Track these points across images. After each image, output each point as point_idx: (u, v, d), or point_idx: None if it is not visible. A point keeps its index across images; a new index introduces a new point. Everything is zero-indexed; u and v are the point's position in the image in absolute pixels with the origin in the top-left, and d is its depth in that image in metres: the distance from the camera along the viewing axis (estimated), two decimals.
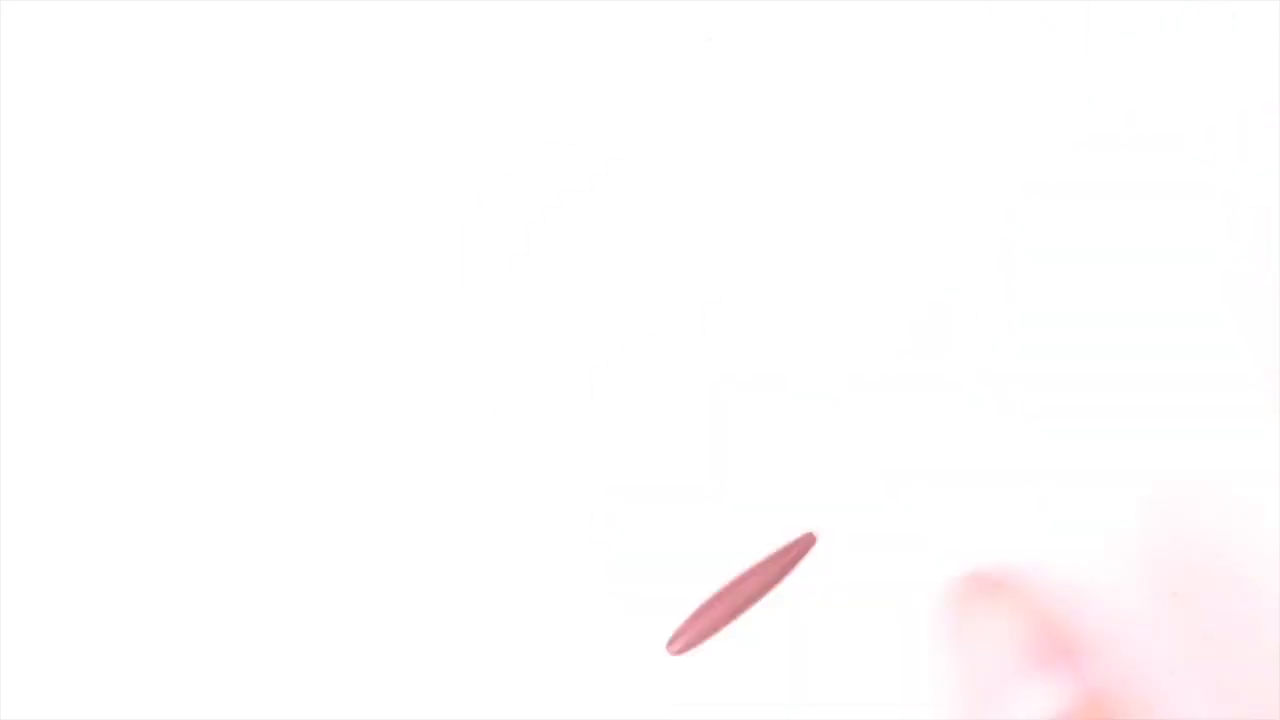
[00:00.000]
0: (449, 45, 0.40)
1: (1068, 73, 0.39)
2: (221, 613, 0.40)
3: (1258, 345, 0.38)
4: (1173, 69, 0.39)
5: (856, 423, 0.39)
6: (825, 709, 0.39)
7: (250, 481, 0.40)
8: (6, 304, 0.40)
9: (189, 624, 0.40)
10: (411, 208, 0.40)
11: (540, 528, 0.39)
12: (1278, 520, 0.38)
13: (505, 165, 0.40)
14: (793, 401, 0.39)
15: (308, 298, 0.40)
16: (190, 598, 0.40)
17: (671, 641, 0.39)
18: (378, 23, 0.40)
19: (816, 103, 0.39)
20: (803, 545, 0.39)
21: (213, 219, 0.40)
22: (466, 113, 0.40)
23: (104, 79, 0.40)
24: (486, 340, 0.40)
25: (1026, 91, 0.39)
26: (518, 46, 0.40)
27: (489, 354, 0.40)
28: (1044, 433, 0.39)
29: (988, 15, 0.39)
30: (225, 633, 0.40)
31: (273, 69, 0.40)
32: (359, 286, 0.40)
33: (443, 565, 0.39)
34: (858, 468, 0.39)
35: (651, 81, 0.39)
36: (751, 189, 0.39)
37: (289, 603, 0.40)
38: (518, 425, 0.40)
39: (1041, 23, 0.39)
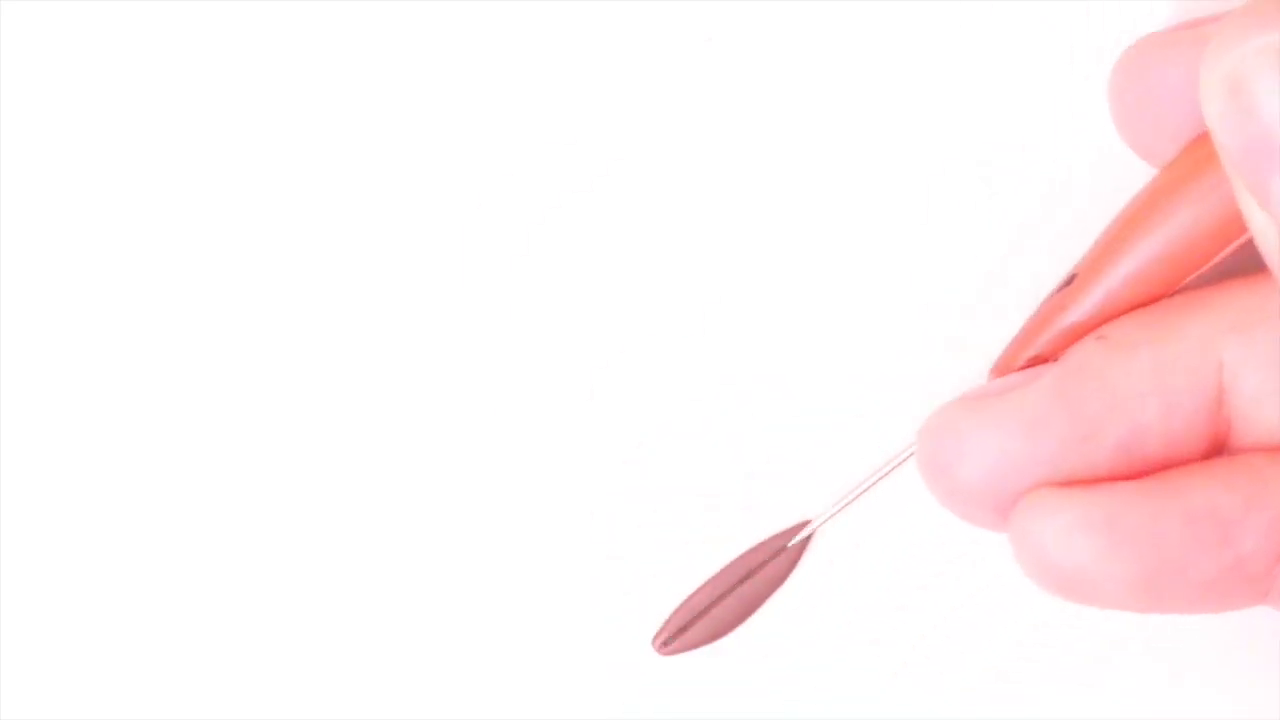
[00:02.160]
0: (449, 45, 0.40)
1: (1072, 74, 0.39)
2: (212, 602, 0.40)
3: None
4: None
5: (858, 423, 0.39)
6: (821, 705, 0.39)
7: (247, 479, 0.40)
8: (6, 304, 0.40)
9: (184, 622, 0.40)
10: (411, 207, 0.40)
11: (540, 528, 0.39)
12: None
13: (505, 165, 0.40)
14: (794, 402, 0.39)
15: (306, 298, 0.40)
16: (184, 594, 0.40)
17: (657, 637, 0.39)
18: (377, 23, 0.40)
19: (817, 103, 0.39)
20: (798, 535, 0.39)
21: (211, 219, 0.40)
22: (466, 112, 0.40)
23: (104, 79, 0.40)
24: (486, 340, 0.40)
25: (1031, 92, 0.39)
26: (518, 46, 0.40)
27: (488, 354, 0.40)
28: None
29: (990, 15, 0.39)
30: (216, 622, 0.40)
31: (272, 69, 0.40)
32: (357, 286, 0.40)
33: (441, 564, 0.39)
34: (861, 468, 0.39)
35: (651, 81, 0.39)
36: (752, 189, 0.39)
37: (287, 601, 0.40)
38: (518, 425, 0.40)
39: (1045, 23, 0.39)
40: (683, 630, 0.39)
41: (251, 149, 0.40)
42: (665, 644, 0.39)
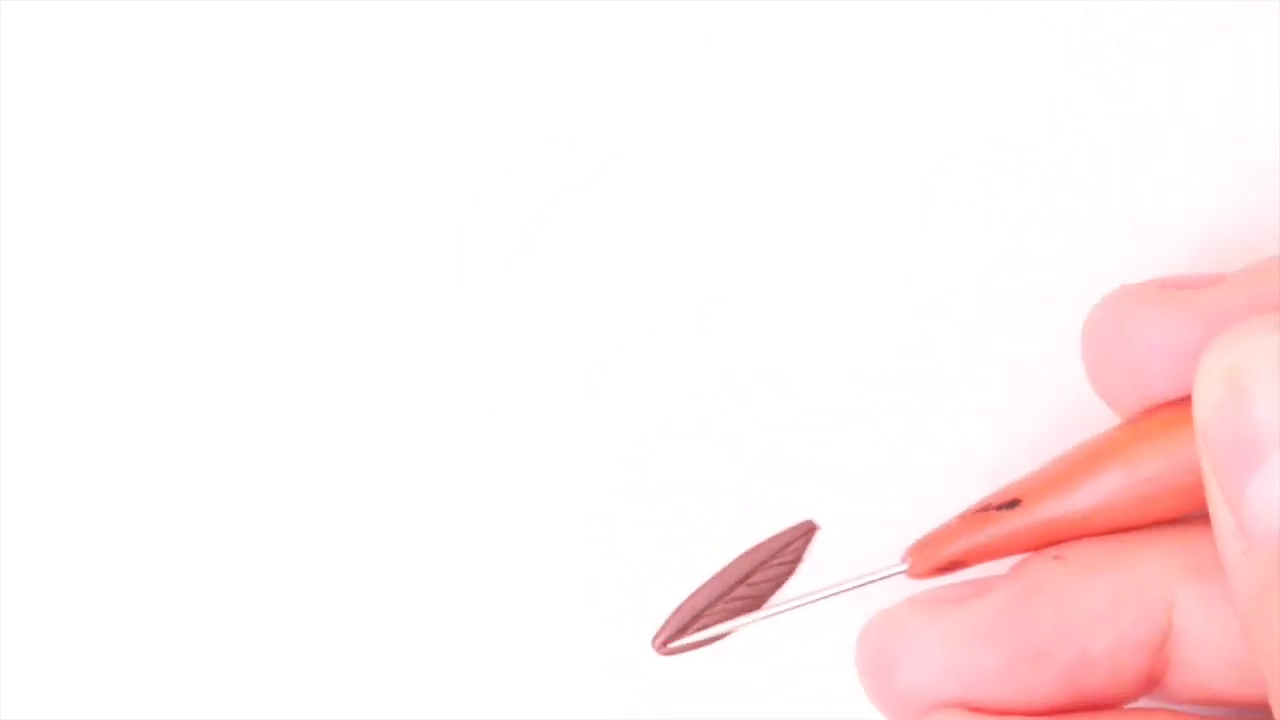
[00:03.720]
0: (449, 45, 0.40)
1: (1072, 74, 0.39)
2: (212, 602, 0.40)
3: None
4: (1179, 73, 0.39)
5: (858, 423, 0.39)
6: (821, 705, 0.39)
7: (247, 478, 0.40)
8: (6, 304, 0.40)
9: (184, 623, 0.40)
10: (410, 207, 0.40)
11: (540, 528, 0.39)
12: None
13: (505, 165, 0.40)
14: (794, 402, 0.39)
15: (306, 297, 0.40)
16: (184, 595, 0.40)
17: (657, 637, 0.39)
18: (377, 23, 0.40)
19: (817, 103, 0.39)
20: (802, 534, 0.39)
21: (210, 219, 0.40)
22: (466, 112, 0.40)
23: (104, 79, 0.40)
24: (486, 340, 0.40)
25: (1031, 92, 0.39)
26: (518, 46, 0.40)
27: (488, 354, 0.40)
28: (1041, 431, 0.39)
29: (990, 15, 0.39)
30: (216, 622, 0.40)
31: (272, 69, 0.40)
32: (357, 286, 0.40)
33: (441, 564, 0.39)
34: (861, 468, 0.39)
35: (651, 81, 0.39)
36: (752, 189, 0.40)
37: (287, 601, 0.40)
38: (517, 425, 0.40)
39: (1045, 23, 0.39)
40: (683, 630, 0.39)
41: (252, 149, 0.40)
42: (665, 644, 0.39)
